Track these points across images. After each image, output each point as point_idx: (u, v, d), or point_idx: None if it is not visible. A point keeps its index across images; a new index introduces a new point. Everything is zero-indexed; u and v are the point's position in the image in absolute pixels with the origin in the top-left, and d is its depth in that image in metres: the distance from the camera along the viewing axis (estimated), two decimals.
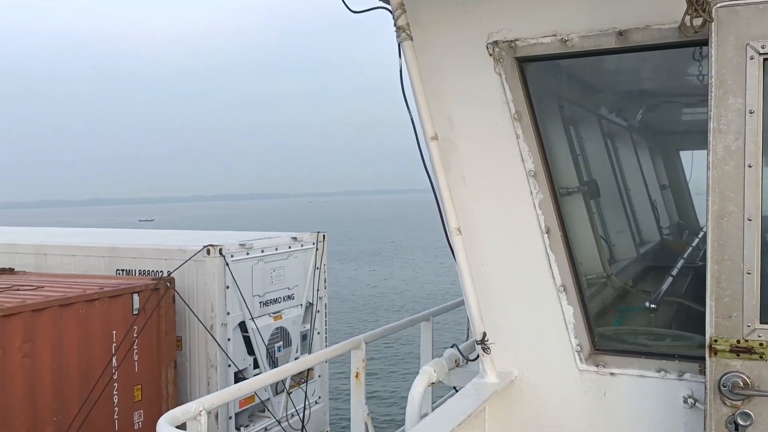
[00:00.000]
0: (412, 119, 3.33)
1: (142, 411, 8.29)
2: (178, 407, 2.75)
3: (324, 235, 11.15)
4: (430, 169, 3.34)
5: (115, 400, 7.96)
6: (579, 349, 3.18)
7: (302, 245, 10.71)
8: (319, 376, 10.88)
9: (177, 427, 2.69)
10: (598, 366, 3.16)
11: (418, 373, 3.57)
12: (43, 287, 7.97)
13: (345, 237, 70.88)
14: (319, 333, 11.01)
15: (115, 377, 7.92)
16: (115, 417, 7.95)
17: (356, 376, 4.10)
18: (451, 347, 3.73)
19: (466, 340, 5.73)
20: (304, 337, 10.75)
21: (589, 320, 3.22)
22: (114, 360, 7.91)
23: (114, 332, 7.95)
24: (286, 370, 3.80)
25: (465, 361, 3.69)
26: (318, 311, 10.95)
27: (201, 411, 2.76)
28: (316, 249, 10.95)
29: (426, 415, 3.42)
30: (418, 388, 3.33)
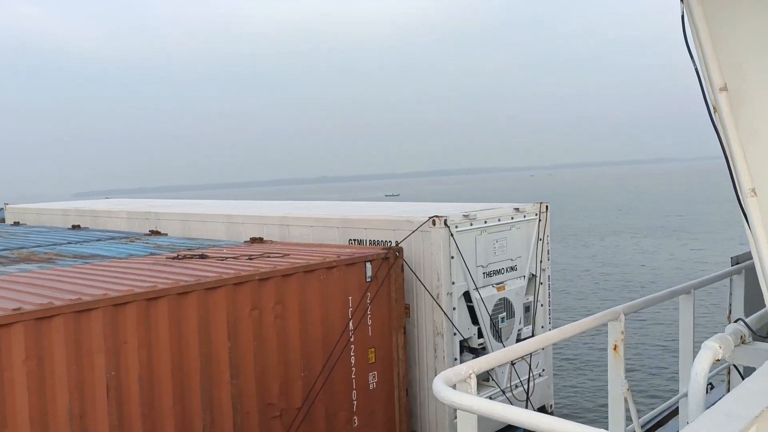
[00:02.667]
0: (696, 70, 3.03)
1: (375, 372, 8.79)
2: (450, 369, 2.84)
3: (546, 206, 10.87)
4: (718, 124, 3.02)
5: (352, 361, 8.51)
6: None
7: (525, 216, 10.54)
8: (543, 348, 10.70)
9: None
10: None
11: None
12: (289, 255, 8.73)
13: (568, 210, 69.27)
14: (542, 305, 10.82)
15: (351, 340, 8.46)
16: (353, 377, 8.51)
17: (614, 349, 3.92)
18: (735, 322, 3.39)
19: (728, 316, 5.22)
20: (527, 308, 10.63)
21: None
22: (350, 324, 8.45)
23: (350, 298, 8.48)
24: (547, 338, 3.72)
25: (752, 337, 3.33)
26: (541, 283, 10.75)
27: (471, 374, 2.81)
28: (539, 220, 10.72)
29: None
30: (702, 364, 3.07)
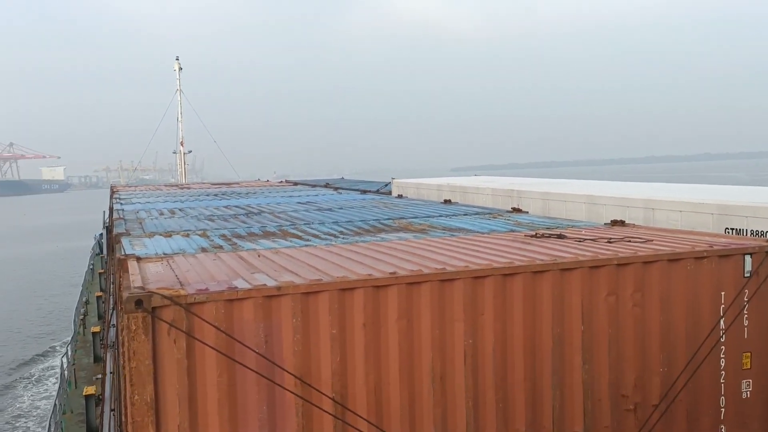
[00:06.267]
0: None
1: (750, 380, 7.72)
2: None
3: None
4: None
5: (722, 364, 7.61)
6: None
7: None
8: None
9: None
10: None
11: None
12: (652, 240, 8.15)
13: None
14: None
15: (722, 340, 7.56)
16: (721, 381, 7.62)
17: None
18: None
19: None
20: None
21: None
22: (722, 322, 7.54)
23: (722, 293, 7.57)
24: None
25: None
26: None
27: None
28: None
29: None
30: None
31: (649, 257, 7.31)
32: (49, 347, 37.26)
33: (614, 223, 9.90)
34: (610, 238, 8.37)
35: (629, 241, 8.13)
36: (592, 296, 7.11)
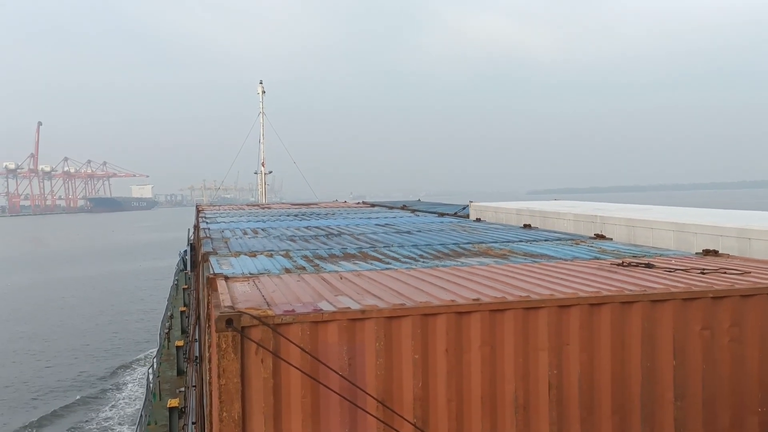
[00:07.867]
0: None
1: None
2: None
3: None
4: None
5: None
6: None
7: None
8: None
9: None
10: None
11: None
12: (750, 272, 7.76)
13: None
14: None
15: None
16: None
17: None
18: None
19: None
20: None
21: None
22: None
23: None
24: None
25: None
26: None
27: None
28: None
29: None
30: None
31: (748, 290, 6.96)
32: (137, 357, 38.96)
33: (707, 252, 9.47)
34: (704, 269, 8.03)
35: (725, 273, 7.77)
36: (685, 330, 6.82)
